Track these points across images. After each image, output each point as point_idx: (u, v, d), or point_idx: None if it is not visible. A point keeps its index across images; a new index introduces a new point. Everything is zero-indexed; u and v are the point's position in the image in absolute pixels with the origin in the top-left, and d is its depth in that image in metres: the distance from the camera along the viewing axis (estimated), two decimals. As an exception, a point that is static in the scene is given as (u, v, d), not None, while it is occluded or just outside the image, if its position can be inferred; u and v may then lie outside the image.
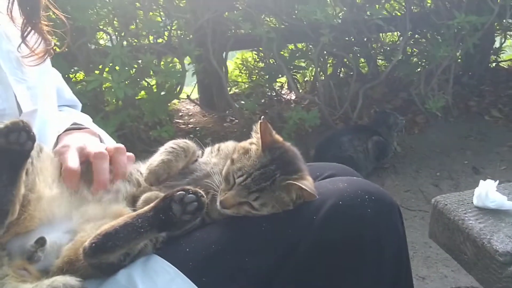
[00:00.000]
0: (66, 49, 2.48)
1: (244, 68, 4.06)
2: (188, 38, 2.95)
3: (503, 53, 4.00)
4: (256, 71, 4.00)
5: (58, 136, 1.05)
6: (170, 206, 0.77)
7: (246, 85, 4.08)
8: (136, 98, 2.94)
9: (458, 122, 3.22)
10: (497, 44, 3.79)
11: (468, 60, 3.56)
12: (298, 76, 3.80)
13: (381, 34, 3.50)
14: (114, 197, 0.91)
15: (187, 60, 3.04)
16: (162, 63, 2.86)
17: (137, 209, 0.87)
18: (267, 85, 3.61)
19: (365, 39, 3.31)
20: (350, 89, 3.14)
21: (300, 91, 3.67)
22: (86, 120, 1.17)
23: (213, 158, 0.98)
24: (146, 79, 3.00)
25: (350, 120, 3.12)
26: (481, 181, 1.34)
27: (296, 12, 2.94)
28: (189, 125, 3.57)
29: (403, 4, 3.36)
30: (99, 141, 1.06)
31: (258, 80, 3.87)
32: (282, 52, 3.25)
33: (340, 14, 3.07)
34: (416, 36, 3.41)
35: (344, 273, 0.86)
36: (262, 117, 0.92)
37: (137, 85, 2.90)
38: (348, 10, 2.85)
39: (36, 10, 0.98)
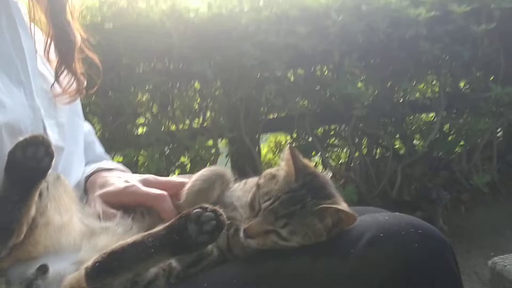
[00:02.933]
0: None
1: (278, 150, 4.07)
2: (221, 119, 3.01)
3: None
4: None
5: (89, 177, 1.04)
6: (186, 225, 0.69)
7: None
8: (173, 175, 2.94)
9: (507, 199, 2.99)
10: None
11: (509, 137, 3.42)
12: (332, 156, 3.74)
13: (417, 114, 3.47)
14: (129, 229, 0.83)
15: (221, 144, 3.09)
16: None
17: None
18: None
19: (398, 118, 3.28)
20: (387, 167, 3.04)
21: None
22: (112, 164, 1.15)
23: (239, 191, 0.91)
24: (182, 157, 3.03)
25: (389, 198, 2.97)
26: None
27: (327, 90, 2.98)
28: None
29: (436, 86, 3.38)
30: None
31: (292, 162, 3.84)
32: (315, 132, 3.25)
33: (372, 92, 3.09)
34: (453, 114, 3.36)
35: None
36: (289, 143, 0.85)
37: (171, 163, 2.93)
38: (380, 88, 2.86)
39: (71, 51, 1.02)
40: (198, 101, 3.19)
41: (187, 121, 3.16)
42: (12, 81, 0.89)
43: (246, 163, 3.54)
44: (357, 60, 2.63)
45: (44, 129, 0.94)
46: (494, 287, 1.20)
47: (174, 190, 0.92)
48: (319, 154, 3.33)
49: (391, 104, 2.97)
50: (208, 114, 3.22)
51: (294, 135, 3.66)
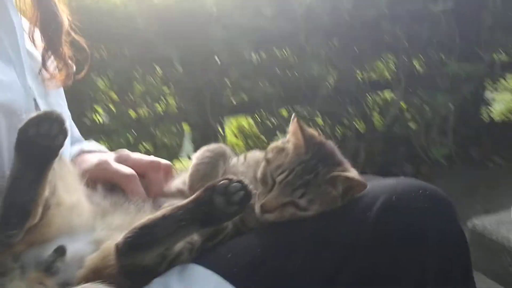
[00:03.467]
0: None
1: (240, 134, 4.08)
2: (185, 104, 2.97)
3: (494, 105, 4.11)
4: (252, 136, 4.02)
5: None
6: (212, 198, 0.69)
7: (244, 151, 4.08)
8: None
9: (462, 170, 3.19)
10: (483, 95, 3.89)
11: (463, 111, 3.63)
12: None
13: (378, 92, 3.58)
14: (141, 206, 0.82)
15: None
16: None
17: None
18: (266, 146, 3.60)
19: (357, 97, 3.37)
20: (350, 146, 3.14)
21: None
22: (95, 145, 1.13)
23: (240, 166, 0.91)
24: (143, 142, 2.97)
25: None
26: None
27: (293, 72, 3.01)
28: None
29: (392, 64, 3.50)
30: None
31: (256, 144, 3.87)
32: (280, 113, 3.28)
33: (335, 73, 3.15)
34: (410, 92, 3.50)
35: (408, 265, 0.76)
36: (294, 114, 0.87)
37: (135, 150, 2.86)
38: (344, 69, 2.93)
39: (58, 34, 0.98)
40: (161, 86, 3.14)
41: (149, 107, 3.10)
42: (1, 59, 0.85)
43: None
44: (322, 41, 2.68)
45: (37, 109, 0.90)
46: (475, 247, 1.29)
47: (143, 169, 0.94)
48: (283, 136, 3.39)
49: (354, 84, 3.05)
50: (172, 99, 3.17)
51: (257, 118, 3.69)
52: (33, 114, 0.69)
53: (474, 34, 3.02)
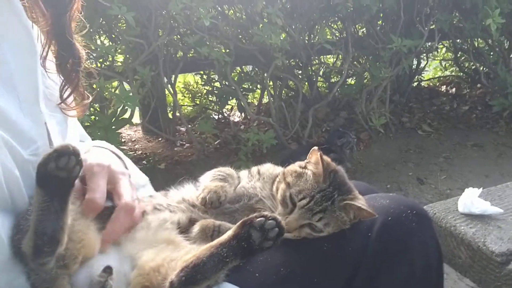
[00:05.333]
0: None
1: (187, 92, 4.04)
2: (130, 62, 2.86)
3: (424, 72, 4.44)
4: (199, 94, 4.00)
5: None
6: (250, 233, 0.76)
7: (190, 109, 4.05)
8: (85, 125, 2.78)
9: (397, 137, 3.48)
10: (419, 65, 4.19)
11: (398, 80, 3.89)
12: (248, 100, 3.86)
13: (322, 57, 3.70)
14: (161, 224, 0.88)
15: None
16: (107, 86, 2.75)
17: (192, 236, 0.87)
18: (216, 107, 3.62)
19: (305, 62, 3.47)
20: (297, 110, 3.27)
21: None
22: (106, 145, 1.11)
23: (257, 182, 0.98)
24: (94, 105, 2.87)
25: (302, 139, 3.24)
26: (466, 189, 1.48)
27: (248, 37, 3.01)
28: (137, 151, 3.44)
29: (337, 30, 3.61)
30: (124, 167, 1.01)
31: (203, 104, 3.87)
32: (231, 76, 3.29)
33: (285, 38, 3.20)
34: (352, 59, 3.66)
35: (400, 277, 0.93)
36: (315, 147, 0.95)
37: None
38: (297, 35, 2.98)
39: (76, 70, 0.93)
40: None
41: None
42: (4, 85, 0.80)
43: (158, 106, 3.49)
44: (279, 10, 2.69)
45: (48, 134, 0.88)
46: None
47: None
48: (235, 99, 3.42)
49: (304, 51, 3.13)
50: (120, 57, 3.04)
51: (205, 77, 3.67)
52: (50, 150, 0.73)
53: (416, 8, 3.19)
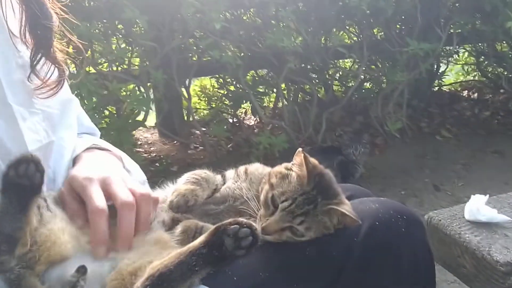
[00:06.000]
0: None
1: (203, 95, 4.06)
2: (146, 65, 2.90)
3: (445, 77, 4.34)
4: (215, 98, 4.02)
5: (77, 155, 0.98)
6: (222, 240, 0.74)
7: (206, 112, 4.08)
8: (100, 127, 2.82)
9: (413, 142, 3.41)
10: (439, 69, 4.10)
11: (417, 84, 3.81)
12: (262, 104, 3.86)
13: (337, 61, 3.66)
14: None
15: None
16: (122, 90, 2.78)
17: (175, 236, 0.86)
18: (230, 111, 3.63)
19: (321, 66, 3.44)
20: (311, 114, 3.25)
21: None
22: (107, 144, 1.09)
23: (243, 182, 0.97)
24: (109, 107, 2.91)
25: (315, 144, 3.21)
26: (472, 196, 1.42)
27: (262, 40, 3.01)
28: (151, 154, 3.48)
29: (353, 33, 3.57)
30: (122, 166, 1.00)
31: (218, 107, 3.89)
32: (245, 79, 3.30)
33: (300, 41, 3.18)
34: (369, 63, 3.61)
35: (388, 279, 0.90)
36: (300, 148, 0.92)
37: (100, 114, 2.80)
38: (310, 38, 2.96)
39: (47, 35, 0.90)
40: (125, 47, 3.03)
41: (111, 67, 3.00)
42: None
43: (174, 109, 3.52)
44: (292, 12, 2.67)
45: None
46: (430, 238, 1.44)
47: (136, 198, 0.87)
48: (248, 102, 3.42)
49: (319, 54, 3.10)
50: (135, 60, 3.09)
51: (220, 81, 3.69)
52: (13, 157, 0.76)
53: (434, 12, 3.13)
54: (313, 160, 0.92)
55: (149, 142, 3.83)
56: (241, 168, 1.01)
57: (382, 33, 3.46)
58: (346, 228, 0.89)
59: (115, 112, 2.99)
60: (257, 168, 1.00)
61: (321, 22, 3.11)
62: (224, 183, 0.98)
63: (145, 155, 3.41)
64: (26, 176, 0.76)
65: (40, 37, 0.89)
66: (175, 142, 3.66)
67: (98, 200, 0.84)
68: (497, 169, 3.07)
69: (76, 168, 0.94)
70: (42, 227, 0.80)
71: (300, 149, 0.91)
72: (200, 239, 0.77)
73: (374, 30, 3.47)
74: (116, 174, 0.91)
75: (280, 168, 0.94)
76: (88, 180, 0.87)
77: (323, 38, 3.29)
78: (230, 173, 1.02)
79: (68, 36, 0.98)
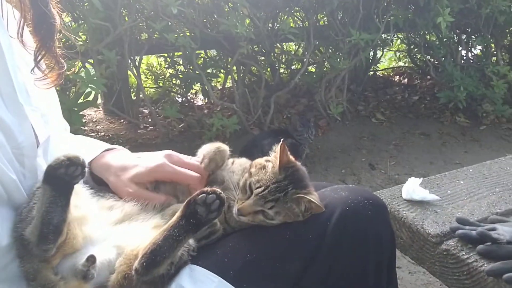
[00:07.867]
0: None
1: (150, 73, 4.05)
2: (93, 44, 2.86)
3: (379, 63, 4.66)
4: (162, 76, 4.02)
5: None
6: (196, 209, 0.87)
7: (152, 91, 4.07)
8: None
9: (352, 124, 3.68)
10: (376, 56, 4.40)
11: (355, 69, 4.08)
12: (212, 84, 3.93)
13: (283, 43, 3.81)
14: (146, 213, 0.98)
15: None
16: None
17: (166, 217, 0.97)
18: (180, 91, 3.66)
19: (268, 49, 3.57)
20: (259, 96, 3.39)
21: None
22: (101, 142, 1.19)
23: (229, 172, 1.09)
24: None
25: (263, 125, 3.37)
26: (409, 179, 1.66)
27: (215, 26, 3.06)
28: (99, 133, 3.45)
29: (298, 18, 3.72)
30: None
31: (166, 86, 3.90)
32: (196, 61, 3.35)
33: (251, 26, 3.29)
34: (314, 48, 3.80)
35: (355, 263, 1.05)
36: (282, 139, 1.04)
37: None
38: (262, 24, 3.07)
39: (51, 33, 0.95)
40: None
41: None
42: None
43: (122, 88, 3.49)
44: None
45: (33, 129, 0.93)
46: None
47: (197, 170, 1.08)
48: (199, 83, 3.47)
49: (269, 38, 3.23)
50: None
51: (168, 60, 3.69)
52: (63, 157, 0.83)
53: (374, 3, 3.36)
54: (290, 155, 1.06)
55: (94, 120, 3.78)
56: (230, 160, 1.14)
57: (326, 20, 3.65)
58: (320, 214, 1.02)
59: (58, 89, 2.93)
60: (242, 161, 1.13)
61: (270, 8, 3.23)
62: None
63: (93, 134, 3.38)
64: (72, 176, 0.84)
65: (44, 35, 0.95)
66: (122, 120, 3.65)
67: (190, 172, 1.07)
68: (424, 149, 3.42)
69: (130, 165, 1.08)
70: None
71: (282, 140, 1.04)
72: (177, 214, 0.89)
73: (320, 16, 3.64)
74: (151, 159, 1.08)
75: (261, 160, 1.07)
76: (167, 166, 1.05)
77: (270, 23, 3.42)
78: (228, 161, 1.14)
79: (64, 32, 1.04)
